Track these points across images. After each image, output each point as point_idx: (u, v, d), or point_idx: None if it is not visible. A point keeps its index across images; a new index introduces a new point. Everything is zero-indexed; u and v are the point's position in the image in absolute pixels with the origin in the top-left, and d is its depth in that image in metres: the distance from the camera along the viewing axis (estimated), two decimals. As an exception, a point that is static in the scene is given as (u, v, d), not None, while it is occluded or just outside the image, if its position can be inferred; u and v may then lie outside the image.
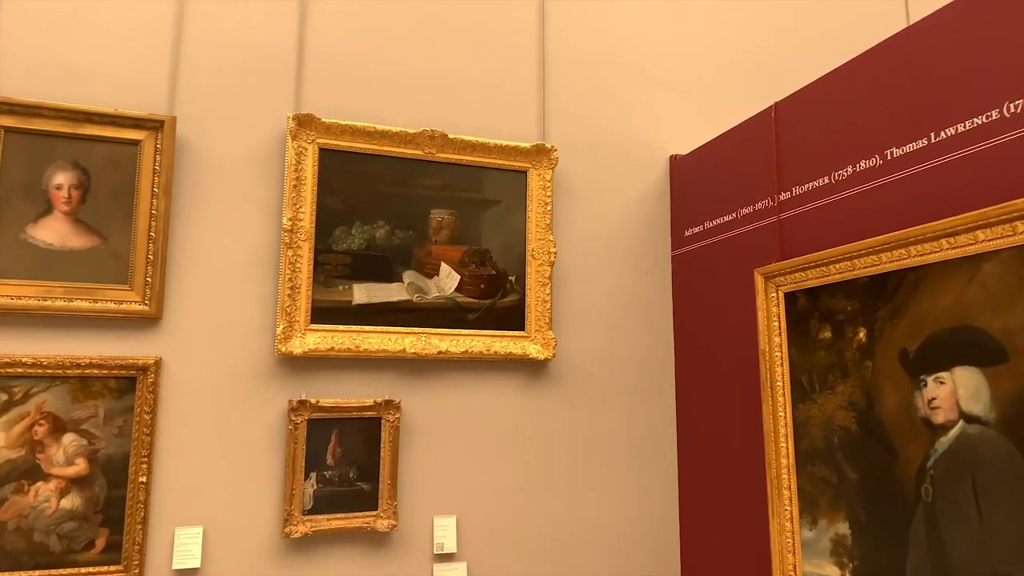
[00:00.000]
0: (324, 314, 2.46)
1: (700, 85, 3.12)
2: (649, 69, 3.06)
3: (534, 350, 2.66)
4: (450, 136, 2.63)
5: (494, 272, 2.68)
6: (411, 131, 2.59)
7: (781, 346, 2.24)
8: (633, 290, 2.89)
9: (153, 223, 2.30)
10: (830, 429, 2.04)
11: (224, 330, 2.38)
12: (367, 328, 2.50)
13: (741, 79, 3.14)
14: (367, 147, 2.56)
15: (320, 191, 2.50)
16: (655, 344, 2.88)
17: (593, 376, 2.79)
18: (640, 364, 2.85)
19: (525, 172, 2.75)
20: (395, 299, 2.55)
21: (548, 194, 2.74)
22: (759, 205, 2.47)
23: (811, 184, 2.27)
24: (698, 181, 2.85)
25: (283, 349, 2.37)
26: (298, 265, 2.43)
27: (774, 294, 2.27)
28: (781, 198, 2.37)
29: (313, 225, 2.47)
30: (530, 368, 2.70)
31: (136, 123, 2.32)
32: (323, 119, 2.49)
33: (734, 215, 2.59)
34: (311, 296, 2.45)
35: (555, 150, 2.75)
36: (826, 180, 2.21)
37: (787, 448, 2.18)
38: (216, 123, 2.45)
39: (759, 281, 2.30)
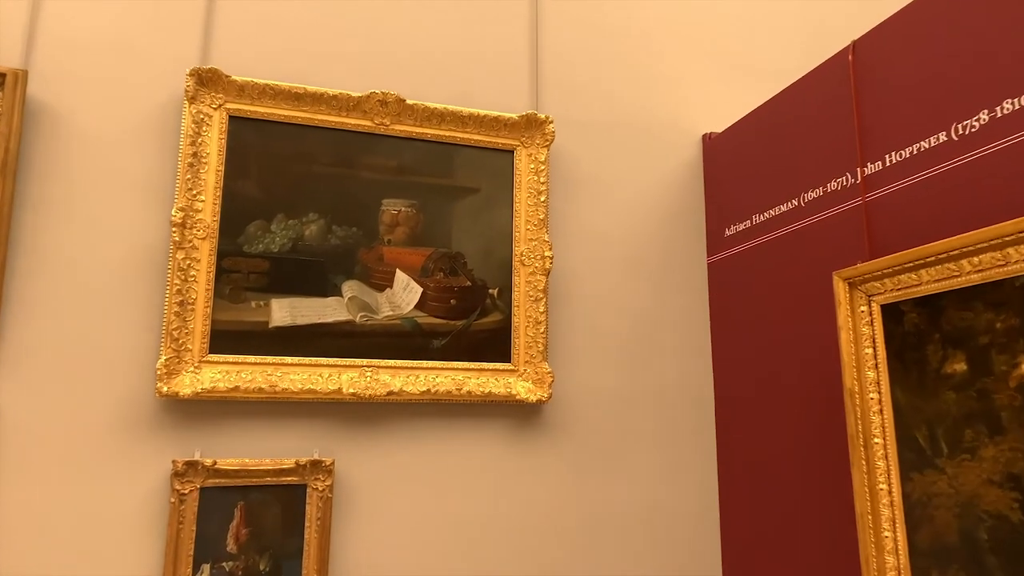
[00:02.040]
0: (228, 340, 1.78)
1: (738, 43, 2.43)
2: (673, 24, 2.38)
3: (523, 389, 1.96)
4: (409, 102, 1.97)
5: (469, 283, 1.99)
6: (356, 94, 1.93)
7: (879, 384, 1.51)
8: (657, 308, 2.18)
9: (-14, 213, 1.66)
10: (972, 516, 1.30)
11: (85, 363, 1.71)
12: (289, 360, 1.81)
13: (792, 32, 2.45)
14: (295, 115, 1.91)
15: (229, 173, 1.84)
16: (687, 382, 2.16)
17: (603, 425, 2.07)
18: (667, 409, 2.13)
19: (511, 151, 2.08)
20: (330, 320, 1.86)
21: (542, 180, 2.06)
22: (833, 185, 1.76)
23: (913, 148, 1.56)
24: (741, 164, 2.15)
25: (165, 389, 1.69)
26: (192, 273, 1.76)
27: (864, 307, 1.55)
28: (867, 172, 1.67)
29: (217, 218, 1.81)
30: (518, 414, 2.00)
31: (-32, 77, 1.69)
32: (234, 77, 1.85)
33: (796, 203, 1.88)
34: (210, 315, 1.77)
35: (550, 122, 2.08)
36: (937, 140, 1.50)
37: (894, 542, 1.44)
38: (86, 81, 1.81)
39: (840, 289, 1.58)
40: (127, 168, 1.80)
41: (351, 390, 1.82)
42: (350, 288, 1.89)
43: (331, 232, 1.90)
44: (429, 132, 2.00)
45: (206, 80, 1.82)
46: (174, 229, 1.74)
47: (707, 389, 2.17)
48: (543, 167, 2.06)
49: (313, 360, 1.83)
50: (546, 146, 2.07)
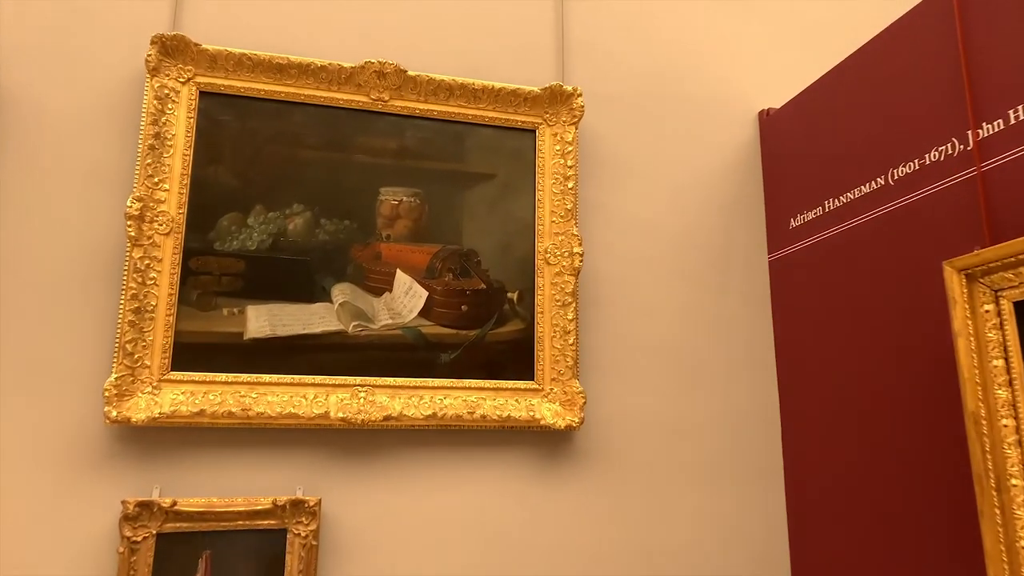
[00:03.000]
0: (195, 355, 1.49)
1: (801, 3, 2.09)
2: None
3: (549, 412, 1.63)
4: (411, 73, 1.67)
5: (483, 286, 1.67)
6: (348, 65, 1.64)
7: (1015, 407, 1.14)
8: (708, 315, 1.83)
9: (-89, 206, 1.40)
10: None
11: (24, 383, 1.43)
12: (266, 378, 1.51)
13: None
14: (277, 89, 1.62)
15: (198, 158, 1.56)
16: (747, 403, 1.80)
17: (646, 455, 1.72)
18: (723, 437, 1.77)
19: (533, 131, 1.76)
20: (317, 330, 1.56)
21: (569, 164, 1.74)
22: (935, 155, 1.40)
23: (1049, 100, 1.20)
24: (809, 142, 1.79)
25: (115, 414, 1.40)
26: (151, 274, 1.48)
27: (990, 305, 1.19)
28: (981, 135, 1.31)
29: (183, 211, 1.53)
30: (543, 442, 1.66)
31: None
32: (205, 45, 1.57)
33: (882, 181, 1.52)
34: (172, 325, 1.49)
35: (579, 95, 1.76)
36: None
37: (1050, 620, 1.07)
38: (37, 54, 1.55)
39: (955, 284, 1.22)
40: (83, 153, 1.53)
41: (340, 414, 1.51)
42: (341, 292, 1.59)
43: (319, 226, 1.60)
44: (435, 109, 1.70)
45: (171, 49, 1.55)
46: (130, 223, 1.46)
47: (771, 412, 1.81)
48: (571, 148, 1.74)
49: (296, 378, 1.53)
50: (574, 123, 1.75)
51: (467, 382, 1.61)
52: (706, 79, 1.96)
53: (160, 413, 1.42)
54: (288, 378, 1.52)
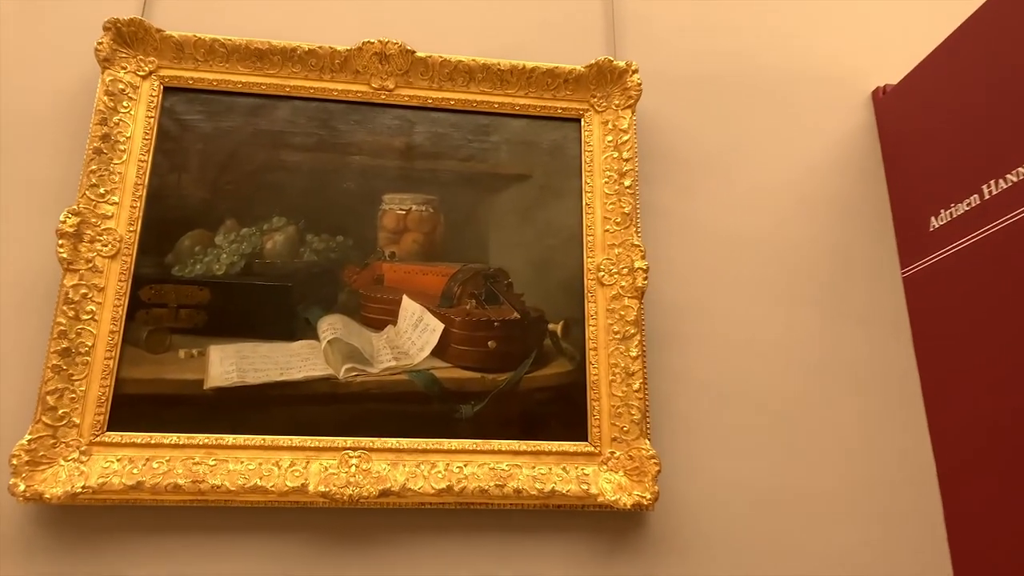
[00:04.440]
0: (140, 410, 1.15)
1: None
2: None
3: (610, 485, 1.18)
4: (420, 55, 1.35)
5: (516, 316, 1.27)
6: (342, 48, 1.33)
7: None
8: (824, 350, 1.36)
9: None
10: None
11: (-77, 447, 1.12)
12: (229, 440, 1.15)
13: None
14: (257, 81, 1.32)
15: (159, 164, 1.26)
16: (889, 470, 1.30)
17: (748, 545, 1.23)
18: (859, 518, 1.26)
19: (577, 119, 1.39)
20: (298, 376, 1.19)
21: (625, 157, 1.35)
22: None
23: None
24: (948, 116, 1.34)
25: (23, 487, 1.06)
26: (88, 307, 1.16)
27: None
28: None
29: (135, 228, 1.22)
30: (603, 526, 1.21)
31: None
32: (169, 32, 1.30)
33: (1077, 140, 1.06)
34: (113, 371, 1.15)
35: (634, 71, 1.38)
36: None
37: None
38: (-22, 53, 1.32)
39: None
40: (24, 164, 1.26)
41: (322, 488, 1.12)
42: (331, 326, 1.23)
43: (304, 244, 1.26)
44: (452, 97, 1.36)
45: (128, 37, 1.28)
46: (62, 243, 1.16)
47: (924, 472, 1.30)
48: (626, 138, 1.35)
49: (267, 440, 1.16)
50: (629, 107, 1.37)
51: (496, 444, 1.20)
52: (800, 52, 1.55)
53: (83, 487, 1.07)
54: (258, 439, 1.15)
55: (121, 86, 1.26)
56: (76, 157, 1.26)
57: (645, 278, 1.27)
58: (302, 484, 1.12)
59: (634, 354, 1.24)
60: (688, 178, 1.42)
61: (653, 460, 1.18)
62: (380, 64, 1.34)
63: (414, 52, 1.34)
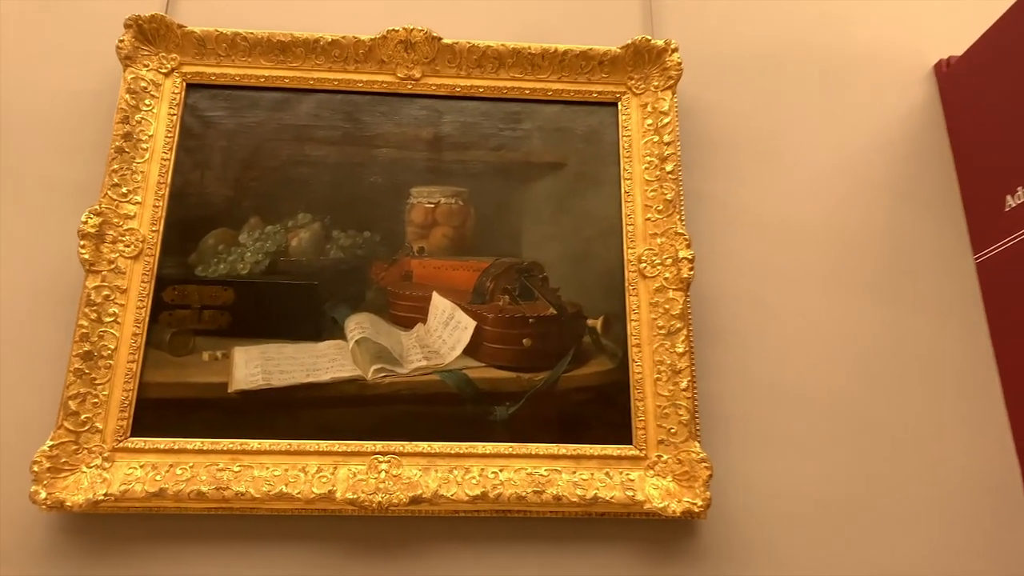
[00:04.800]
0: (163, 414, 1.11)
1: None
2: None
3: (657, 491, 1.10)
4: (447, 42, 1.29)
5: (552, 311, 1.20)
6: (366, 37, 1.28)
7: None
8: (888, 344, 1.25)
9: None
10: None
11: (-52, 454, 1.10)
12: (254, 444, 1.10)
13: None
14: (280, 75, 1.28)
15: (181, 162, 1.23)
16: (964, 471, 1.18)
17: (812, 557, 1.13)
18: (934, 527, 1.15)
19: (614, 103, 1.31)
20: (325, 378, 1.14)
21: (666, 140, 1.26)
22: None
23: None
24: (1017, 87, 1.23)
25: (44, 495, 1.03)
26: (111, 309, 1.13)
27: None
28: None
29: (157, 228, 1.18)
30: (650, 536, 1.12)
31: None
32: (191, 27, 1.27)
33: None
34: (137, 375, 1.12)
35: (674, 50, 1.30)
36: None
37: None
38: (3, 53, 1.31)
39: None
40: (48, 166, 1.24)
41: (349, 495, 1.06)
42: (358, 325, 1.17)
43: (330, 240, 1.21)
44: (481, 85, 1.30)
45: (150, 34, 1.25)
46: (84, 244, 1.13)
47: (1006, 476, 1.17)
48: (666, 120, 1.27)
49: (293, 444, 1.10)
50: (669, 88, 1.29)
51: (533, 447, 1.12)
52: (852, 25, 1.44)
53: (105, 495, 1.03)
54: (283, 444, 1.10)
55: (143, 84, 1.24)
56: (98, 157, 1.23)
57: (691, 268, 1.18)
58: (329, 491, 1.06)
59: (680, 350, 1.15)
60: (734, 162, 1.33)
61: (704, 464, 1.09)
62: (405, 53, 1.29)
63: (440, 39, 1.29)
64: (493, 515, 1.09)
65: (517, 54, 1.29)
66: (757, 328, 1.23)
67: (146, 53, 1.25)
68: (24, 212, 1.22)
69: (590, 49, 1.30)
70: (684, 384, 1.14)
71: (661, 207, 1.23)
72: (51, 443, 1.05)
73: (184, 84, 1.27)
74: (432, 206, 1.24)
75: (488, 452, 1.12)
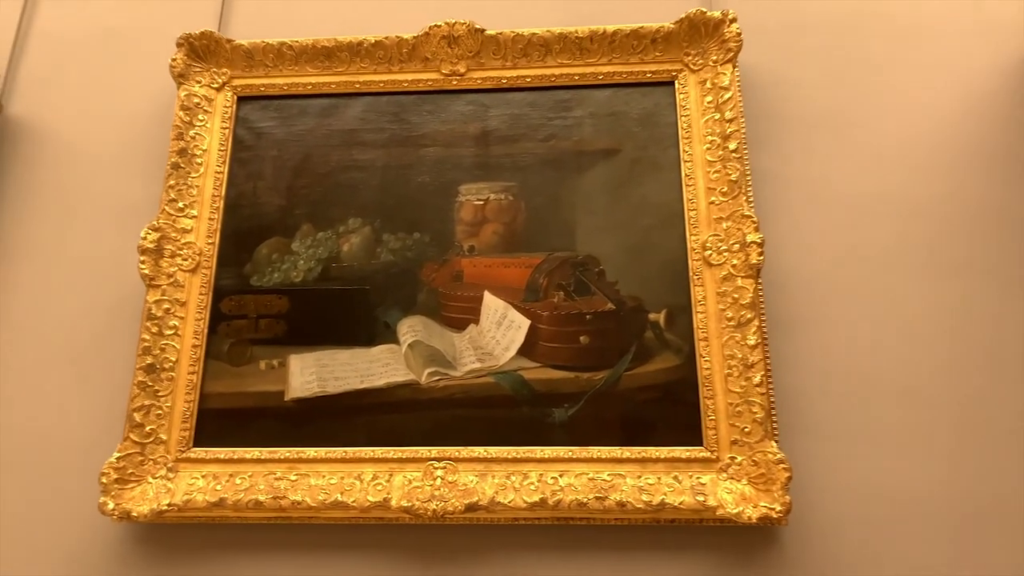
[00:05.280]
0: (223, 424, 1.12)
1: None
2: None
3: (731, 496, 1.01)
4: (490, 33, 1.25)
5: (611, 306, 1.13)
6: (408, 36, 1.26)
7: None
8: (985, 331, 1.11)
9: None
10: None
11: (18, 458, 1.14)
12: (311, 453, 1.09)
13: None
14: (326, 81, 1.28)
15: (235, 175, 1.24)
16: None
17: (904, 564, 1.01)
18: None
19: (670, 82, 1.23)
20: (379, 383, 1.12)
21: (728, 117, 1.17)
22: None
23: None
24: None
25: (112, 505, 1.05)
26: (171, 322, 1.15)
27: None
28: None
29: (213, 241, 1.20)
30: (725, 543, 1.03)
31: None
32: (239, 41, 1.28)
33: None
34: (197, 385, 1.13)
35: (732, 21, 1.21)
36: None
37: None
38: (61, 80, 1.36)
39: None
40: (108, 186, 1.29)
41: (405, 503, 1.03)
42: (411, 328, 1.15)
43: (380, 244, 1.19)
44: (528, 74, 1.25)
45: (201, 51, 1.28)
46: (143, 259, 1.16)
47: None
48: (727, 95, 1.18)
49: (348, 452, 1.08)
50: (729, 61, 1.20)
51: (594, 451, 1.06)
52: (936, -20, 1.31)
53: (169, 505, 1.05)
54: (339, 452, 1.09)
55: (196, 100, 1.26)
56: (154, 173, 1.26)
57: (760, 254, 1.09)
58: (384, 499, 1.04)
59: (752, 342, 1.06)
60: (803, 138, 1.22)
61: (782, 465, 1.00)
62: (449, 48, 1.26)
63: (483, 31, 1.25)
64: (553, 523, 1.03)
65: (564, 39, 1.24)
66: (836, 315, 1.12)
67: (198, 69, 1.28)
68: (87, 231, 1.26)
69: (641, 27, 1.23)
70: (757, 379, 1.05)
71: (726, 189, 1.14)
72: (118, 455, 1.07)
73: (235, 97, 1.28)
74: (481, 203, 1.20)
75: (547, 456, 1.06)
